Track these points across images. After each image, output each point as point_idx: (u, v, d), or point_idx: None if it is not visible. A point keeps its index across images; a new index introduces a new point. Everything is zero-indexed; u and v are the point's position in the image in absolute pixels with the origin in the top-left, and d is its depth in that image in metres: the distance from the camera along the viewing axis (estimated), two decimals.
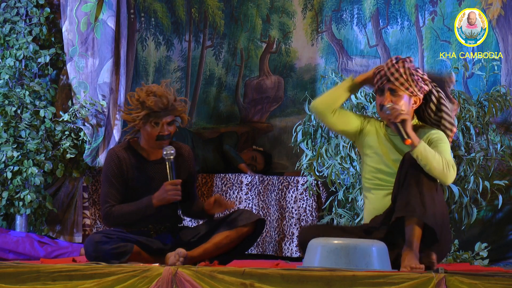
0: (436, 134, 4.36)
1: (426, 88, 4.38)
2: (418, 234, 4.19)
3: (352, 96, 5.99)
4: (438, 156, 4.22)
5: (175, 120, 4.56)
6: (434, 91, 4.40)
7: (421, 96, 4.38)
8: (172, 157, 4.48)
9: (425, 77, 4.39)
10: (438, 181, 4.25)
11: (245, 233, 4.50)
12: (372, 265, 3.92)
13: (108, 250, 4.29)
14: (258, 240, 6.44)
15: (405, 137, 4.25)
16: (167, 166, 4.49)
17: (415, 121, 4.45)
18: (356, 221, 5.86)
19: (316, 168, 6.08)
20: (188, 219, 5.65)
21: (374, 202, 4.44)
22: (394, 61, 4.38)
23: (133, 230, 4.51)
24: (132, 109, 4.51)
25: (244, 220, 4.48)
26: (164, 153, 4.49)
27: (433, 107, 4.40)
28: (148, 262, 4.28)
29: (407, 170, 4.23)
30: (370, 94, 6.02)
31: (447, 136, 4.39)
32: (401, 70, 4.35)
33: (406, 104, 4.36)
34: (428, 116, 4.42)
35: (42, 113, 6.14)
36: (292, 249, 6.39)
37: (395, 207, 4.22)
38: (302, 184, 6.43)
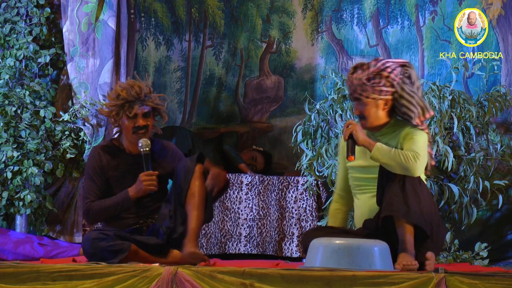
0: (410, 133, 4.31)
1: (390, 89, 4.33)
2: (410, 232, 4.19)
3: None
4: (395, 153, 4.20)
5: (151, 112, 4.57)
6: (399, 87, 4.35)
7: (388, 97, 4.34)
8: (147, 149, 4.52)
9: (392, 76, 4.31)
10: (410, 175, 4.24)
11: (200, 172, 4.48)
12: (376, 265, 3.92)
13: (105, 247, 4.29)
14: (258, 240, 6.44)
15: (349, 154, 4.28)
16: (142, 157, 4.51)
17: (393, 120, 4.42)
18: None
19: (316, 168, 6.08)
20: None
21: (361, 206, 4.46)
22: (351, 72, 4.37)
23: (125, 228, 4.53)
24: (109, 105, 4.57)
25: (191, 167, 4.45)
26: (140, 145, 4.52)
27: (405, 103, 4.36)
28: (147, 260, 4.29)
29: (388, 171, 4.24)
30: None
31: (422, 121, 4.34)
32: (355, 82, 4.33)
33: (374, 110, 4.34)
34: (398, 109, 4.39)
35: (42, 113, 6.14)
36: (292, 249, 6.39)
37: (381, 208, 4.23)
38: (302, 184, 6.43)
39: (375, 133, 4.41)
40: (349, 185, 4.54)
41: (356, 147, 4.35)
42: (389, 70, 4.31)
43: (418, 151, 4.22)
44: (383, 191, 4.25)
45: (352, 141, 4.32)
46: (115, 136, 4.72)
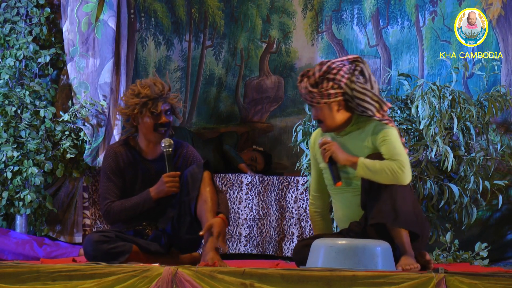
0: (380, 133, 4.28)
1: (338, 90, 4.29)
2: (406, 235, 4.19)
3: None
4: (381, 167, 4.16)
5: (171, 110, 4.55)
6: (347, 87, 4.32)
7: (338, 98, 4.32)
8: (170, 149, 4.48)
9: (338, 77, 4.27)
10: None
11: (209, 178, 4.44)
12: (379, 265, 3.93)
13: (107, 250, 4.29)
14: (258, 240, 6.44)
15: (336, 180, 4.27)
16: (165, 157, 4.48)
17: (355, 118, 4.40)
18: None
19: None
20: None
21: (342, 207, 4.44)
22: (297, 82, 4.36)
23: (128, 229, 4.51)
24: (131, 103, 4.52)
25: (198, 174, 4.41)
26: (162, 145, 4.48)
27: (360, 102, 4.34)
28: (147, 261, 4.28)
29: None
30: None
31: (383, 114, 4.32)
32: (302, 91, 4.33)
33: (328, 113, 4.32)
34: (354, 109, 4.37)
35: (42, 113, 6.14)
36: (292, 249, 6.39)
37: (369, 215, 4.22)
38: (302, 184, 6.44)
39: (339, 133, 4.39)
40: (323, 186, 4.53)
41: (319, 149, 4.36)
42: (334, 71, 4.29)
43: (401, 158, 4.19)
44: (367, 195, 4.23)
45: (333, 163, 4.30)
46: (128, 135, 4.66)
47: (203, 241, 4.38)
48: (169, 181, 4.44)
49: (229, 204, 4.76)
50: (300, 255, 4.27)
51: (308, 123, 6.17)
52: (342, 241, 3.99)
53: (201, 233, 4.29)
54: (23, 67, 6.25)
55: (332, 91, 4.27)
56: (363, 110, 4.30)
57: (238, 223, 6.46)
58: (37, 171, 6.06)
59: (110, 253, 4.28)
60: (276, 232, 6.45)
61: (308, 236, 6.17)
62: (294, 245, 6.35)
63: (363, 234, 4.27)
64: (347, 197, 4.40)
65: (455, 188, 5.81)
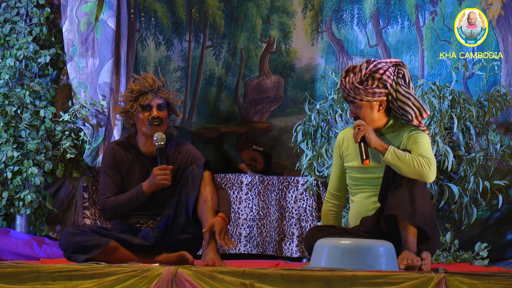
0: (414, 136, 4.33)
1: (383, 90, 4.33)
2: (413, 233, 4.20)
3: None
4: (410, 158, 4.19)
5: (166, 105, 4.57)
6: (392, 89, 4.35)
7: (382, 98, 4.34)
8: (162, 142, 4.50)
9: (384, 77, 4.30)
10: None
11: (210, 178, 4.45)
12: (383, 265, 3.93)
13: (79, 242, 4.30)
14: (258, 240, 6.44)
15: (364, 158, 4.26)
16: (157, 151, 4.50)
17: (392, 121, 4.43)
18: None
19: (316, 168, 6.08)
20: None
21: (357, 205, 4.46)
22: (343, 76, 4.36)
23: (125, 225, 4.53)
24: (124, 99, 4.57)
25: (198, 174, 4.42)
26: (154, 138, 4.51)
27: (401, 104, 4.36)
28: (129, 258, 4.31)
29: (395, 171, 4.24)
30: None
31: (420, 121, 4.36)
32: (347, 86, 4.32)
33: (369, 112, 4.34)
34: (394, 111, 4.39)
35: (42, 113, 6.14)
36: (292, 249, 6.39)
37: (386, 205, 4.23)
38: (302, 184, 6.44)
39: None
40: (344, 185, 4.54)
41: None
42: (381, 71, 4.30)
43: (430, 157, 4.23)
44: (388, 188, 4.24)
45: (364, 144, 4.30)
46: (128, 134, 4.69)
47: (203, 241, 4.39)
48: (160, 174, 4.46)
49: (230, 200, 4.75)
50: (310, 240, 4.27)
51: (308, 123, 6.17)
52: (346, 241, 3.99)
53: (203, 230, 4.31)
54: (23, 67, 6.24)
55: (377, 90, 4.30)
56: (403, 114, 4.33)
57: (238, 223, 6.46)
58: (37, 171, 6.06)
59: (82, 245, 4.29)
60: (276, 232, 6.45)
61: None
62: (295, 244, 6.35)
63: (374, 229, 4.28)
64: (364, 196, 4.41)
65: (455, 188, 5.81)
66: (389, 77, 4.30)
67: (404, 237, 4.19)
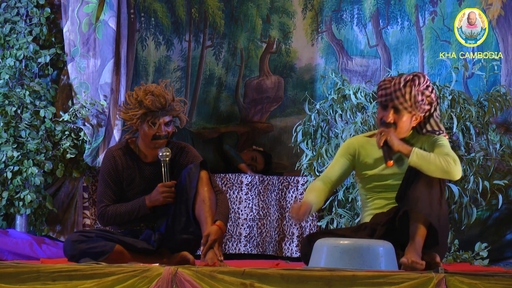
0: (434, 139, 4.40)
1: (427, 107, 4.38)
2: (423, 233, 4.19)
3: (352, 97, 5.99)
4: (435, 157, 4.22)
5: (173, 120, 4.55)
6: (433, 108, 4.41)
7: (423, 114, 4.39)
8: (167, 158, 4.47)
9: (432, 96, 4.38)
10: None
11: (207, 178, 4.44)
12: (382, 265, 3.93)
13: (85, 249, 4.28)
14: (258, 240, 6.44)
15: (387, 159, 4.29)
16: (162, 166, 4.48)
17: (412, 131, 4.46)
18: (356, 221, 5.86)
19: (316, 168, 6.08)
20: None
21: (377, 207, 4.47)
22: (402, 84, 4.36)
23: (125, 230, 4.52)
24: (130, 108, 4.50)
25: (195, 173, 4.41)
26: (160, 154, 4.48)
27: (432, 123, 4.44)
28: (133, 261, 4.29)
29: (416, 169, 4.25)
30: (370, 94, 6.02)
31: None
32: (407, 96, 4.34)
33: (407, 122, 4.38)
34: (421, 128, 4.45)
35: (42, 113, 6.14)
36: (292, 249, 6.39)
37: (403, 201, 4.23)
38: (302, 184, 6.44)
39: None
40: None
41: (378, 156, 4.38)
42: (430, 89, 4.39)
43: (454, 155, 4.26)
44: (406, 189, 4.25)
45: (387, 147, 4.33)
46: (129, 137, 4.65)
47: (202, 241, 4.39)
48: (165, 191, 4.45)
49: (229, 204, 4.74)
50: (306, 249, 4.28)
51: (308, 123, 6.17)
52: (345, 241, 4.00)
53: (202, 241, 4.33)
54: (23, 67, 6.25)
55: (425, 107, 4.37)
56: (428, 130, 4.39)
57: (238, 223, 6.47)
58: (37, 171, 6.06)
59: (88, 252, 4.27)
60: (276, 232, 6.46)
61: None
62: (295, 244, 6.35)
63: (387, 224, 4.28)
64: (381, 205, 4.44)
65: (455, 188, 5.81)
66: (434, 96, 4.38)
67: (412, 233, 4.19)
